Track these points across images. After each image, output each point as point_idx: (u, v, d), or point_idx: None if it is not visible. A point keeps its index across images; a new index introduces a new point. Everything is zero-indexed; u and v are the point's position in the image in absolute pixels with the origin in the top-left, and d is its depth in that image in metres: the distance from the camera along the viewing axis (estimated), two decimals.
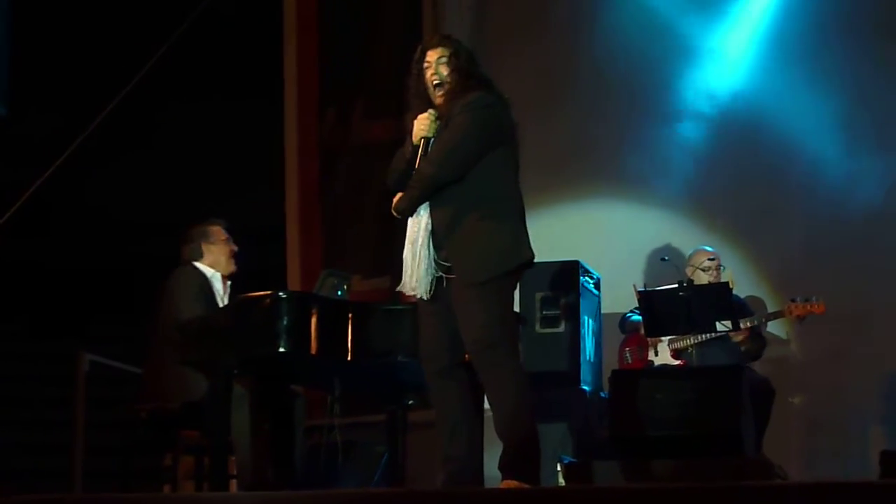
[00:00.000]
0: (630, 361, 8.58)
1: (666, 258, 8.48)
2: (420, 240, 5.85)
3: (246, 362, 6.79)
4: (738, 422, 7.48)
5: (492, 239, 5.85)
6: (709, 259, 8.53)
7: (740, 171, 9.52)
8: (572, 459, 7.95)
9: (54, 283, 9.91)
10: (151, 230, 8.18)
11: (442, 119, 5.88)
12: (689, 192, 9.60)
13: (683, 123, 9.75)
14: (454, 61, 5.93)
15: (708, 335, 8.18)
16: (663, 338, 8.39)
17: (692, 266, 8.53)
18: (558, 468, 7.61)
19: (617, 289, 8.95)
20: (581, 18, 10.07)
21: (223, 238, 7.60)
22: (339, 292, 7.81)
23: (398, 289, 6.04)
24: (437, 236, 5.86)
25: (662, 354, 8.45)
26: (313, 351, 6.59)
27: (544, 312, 8.50)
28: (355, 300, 7.32)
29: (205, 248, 7.56)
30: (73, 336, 9.08)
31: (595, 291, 8.86)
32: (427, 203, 5.87)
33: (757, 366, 8.42)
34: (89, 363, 8.39)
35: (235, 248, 7.55)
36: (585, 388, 8.49)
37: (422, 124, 5.88)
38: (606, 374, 8.45)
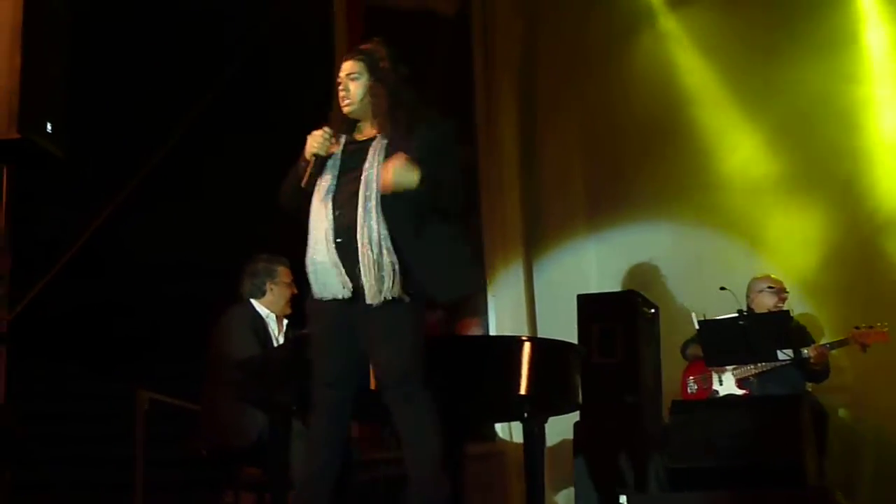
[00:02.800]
0: (694, 391, 8.53)
1: (725, 287, 8.40)
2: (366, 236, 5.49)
3: (304, 399, 6.79)
4: (800, 451, 7.41)
5: (431, 263, 5.57)
6: (770, 286, 8.47)
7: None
8: (633, 491, 7.90)
9: (112, 322, 9.96)
10: (206, 270, 8.19)
11: (394, 142, 5.59)
12: (751, 220, 9.52)
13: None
14: (366, 78, 5.63)
15: (770, 364, 8.11)
16: (727, 367, 8.34)
17: (754, 293, 8.47)
18: (621, 500, 7.56)
19: (675, 318, 8.91)
20: (629, 49, 10.02)
21: (287, 280, 7.56)
22: None
23: (316, 297, 5.67)
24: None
25: (727, 383, 8.39)
26: (372, 386, 6.57)
27: (602, 343, 8.46)
28: None
29: (268, 286, 7.54)
30: (132, 375, 9.11)
31: (653, 321, 8.82)
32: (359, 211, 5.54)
33: (822, 393, 8.34)
34: (149, 401, 8.42)
35: (296, 292, 7.45)
36: (644, 419, 8.43)
37: (315, 141, 5.58)
38: (666, 404, 8.42)
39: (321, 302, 5.64)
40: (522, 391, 6.51)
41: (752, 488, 7.27)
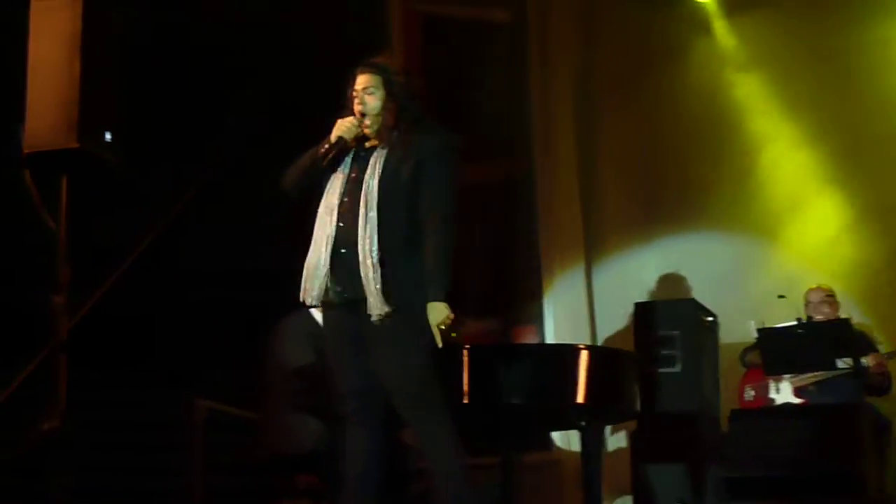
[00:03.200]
0: (752, 399, 8.48)
1: (783, 295, 8.33)
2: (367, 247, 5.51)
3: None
4: (860, 461, 7.36)
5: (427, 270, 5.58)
6: (826, 295, 8.42)
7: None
8: (691, 501, 7.87)
9: (170, 331, 9.99)
10: (266, 277, 8.21)
11: (395, 149, 5.63)
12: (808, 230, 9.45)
13: None
14: (382, 92, 5.66)
15: (829, 372, 8.05)
16: (784, 375, 8.28)
17: (810, 303, 8.42)
18: None
19: (734, 326, 8.86)
20: (686, 55, 9.98)
21: None
22: (453, 334, 7.80)
23: (302, 299, 5.70)
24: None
25: (784, 392, 8.34)
26: None
27: (660, 352, 8.43)
28: (469, 342, 7.28)
29: None
30: (189, 383, 9.14)
31: (712, 329, 8.78)
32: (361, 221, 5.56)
33: (883, 402, 8.26)
34: (207, 410, 8.44)
35: None
36: (702, 428, 8.39)
37: (344, 124, 5.63)
38: (724, 413, 8.38)
39: (330, 313, 5.67)
40: (580, 399, 6.50)
41: (811, 498, 7.22)
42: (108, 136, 6.42)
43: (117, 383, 9.59)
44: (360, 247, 5.52)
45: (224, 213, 9.87)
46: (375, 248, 5.51)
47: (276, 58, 9.87)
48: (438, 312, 5.49)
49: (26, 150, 6.29)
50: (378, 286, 5.48)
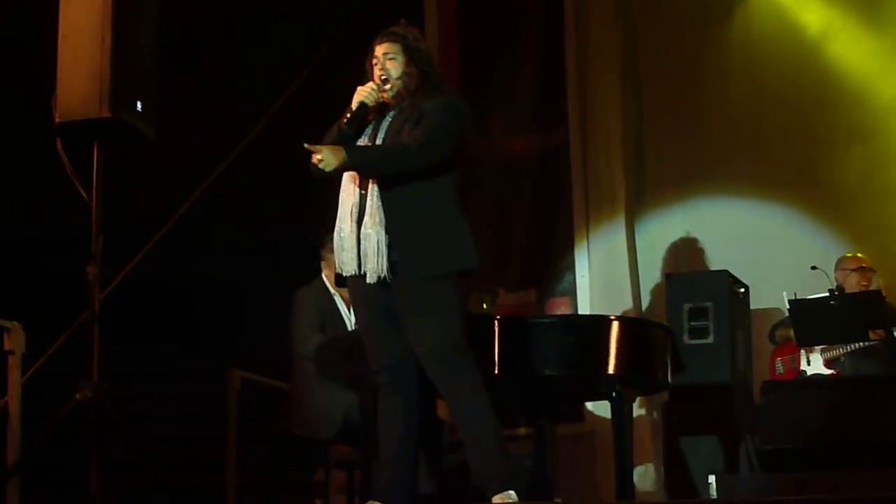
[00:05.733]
0: (782, 372, 8.46)
1: (816, 266, 8.28)
2: (376, 218, 5.51)
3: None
4: (893, 432, 7.33)
5: (453, 236, 5.62)
6: (859, 266, 8.38)
7: None
8: (723, 472, 7.86)
9: (205, 301, 10.05)
10: (299, 247, 8.22)
11: (403, 112, 5.65)
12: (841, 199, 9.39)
13: None
14: (403, 58, 5.66)
15: (861, 344, 8.02)
16: (815, 347, 8.26)
17: (840, 271, 8.38)
18: (710, 481, 7.51)
19: (766, 298, 8.84)
20: (727, 23, 9.91)
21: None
22: (485, 305, 7.81)
23: (336, 271, 5.69)
24: (389, 230, 5.54)
25: (815, 364, 8.32)
26: None
27: (693, 323, 8.41)
28: (501, 314, 7.29)
29: (325, 255, 7.50)
30: (224, 354, 9.19)
31: (744, 301, 8.75)
32: (370, 189, 5.56)
33: None
34: (241, 380, 8.48)
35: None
36: (735, 399, 8.37)
37: (364, 90, 5.62)
38: (756, 385, 8.36)
39: (357, 284, 5.65)
40: (611, 371, 6.50)
41: (845, 469, 7.20)
42: (140, 105, 6.43)
43: (151, 354, 9.66)
44: (367, 214, 5.55)
45: (260, 182, 9.90)
46: (380, 216, 5.53)
47: (307, 28, 9.86)
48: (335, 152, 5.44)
49: (58, 120, 6.31)
50: (384, 252, 5.50)
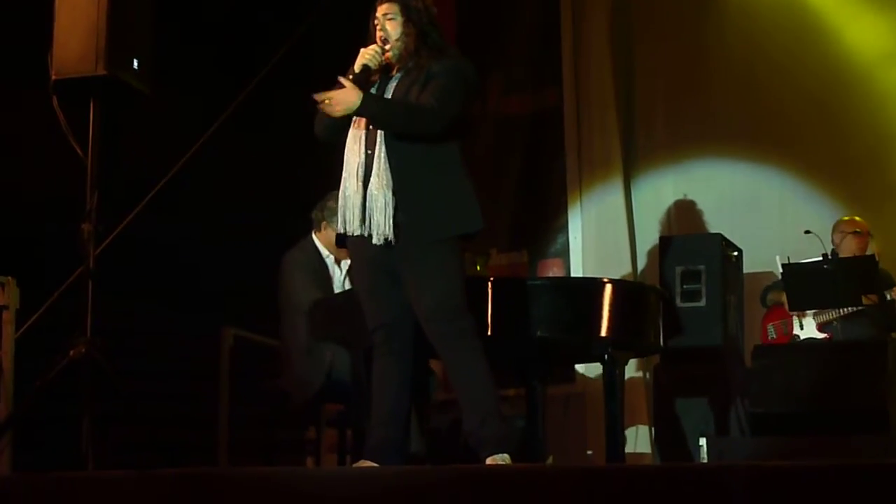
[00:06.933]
0: (774, 337, 8.48)
1: (810, 231, 8.29)
2: (383, 179, 5.50)
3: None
4: (885, 397, 7.37)
5: (459, 199, 5.63)
6: (855, 230, 8.39)
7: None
8: (713, 435, 7.89)
9: (197, 259, 10.03)
10: (293, 205, 8.21)
11: (410, 74, 5.63)
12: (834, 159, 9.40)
13: None
14: (401, 18, 5.65)
15: (853, 308, 8.04)
16: (807, 311, 8.28)
17: (837, 234, 8.39)
18: (701, 444, 7.55)
19: (758, 261, 8.86)
20: None
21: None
22: (478, 267, 7.82)
23: (339, 230, 5.68)
24: (396, 192, 5.52)
25: (808, 328, 8.34)
26: None
27: (685, 286, 8.43)
28: (494, 275, 7.30)
29: (324, 224, 7.49)
30: (216, 311, 9.18)
31: (737, 264, 8.77)
32: (378, 150, 5.55)
33: None
34: (233, 338, 8.50)
35: None
36: (727, 363, 8.40)
37: (367, 52, 5.60)
38: (748, 349, 8.39)
39: (359, 243, 5.64)
40: (603, 333, 6.53)
41: (835, 434, 7.24)
42: (136, 63, 6.43)
43: (144, 311, 9.64)
44: (374, 175, 5.54)
45: (255, 140, 9.87)
46: (388, 177, 5.52)
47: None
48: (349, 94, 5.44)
49: (54, 77, 6.32)
50: (390, 214, 5.49)
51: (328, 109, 5.46)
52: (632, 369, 8.69)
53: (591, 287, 6.82)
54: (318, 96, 5.45)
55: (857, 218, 8.53)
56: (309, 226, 7.61)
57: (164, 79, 6.88)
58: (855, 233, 8.39)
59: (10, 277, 6.75)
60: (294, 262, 7.50)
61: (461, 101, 5.64)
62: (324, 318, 7.07)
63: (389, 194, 5.51)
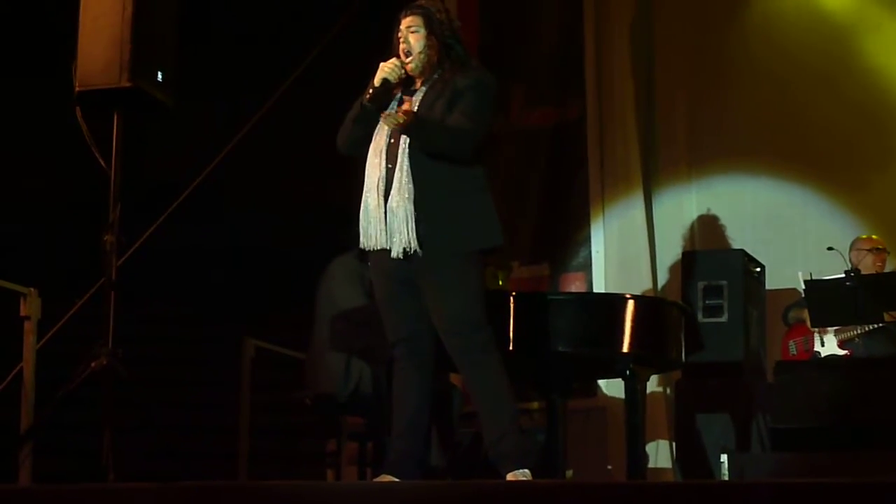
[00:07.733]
0: (795, 353, 8.47)
1: (832, 247, 8.27)
2: (405, 192, 5.51)
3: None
4: None
5: (480, 213, 5.63)
6: (876, 246, 8.37)
7: None
8: (734, 451, 7.87)
9: (222, 267, 10.06)
10: (318, 217, 8.23)
11: (434, 87, 5.65)
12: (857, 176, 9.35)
13: None
14: (425, 31, 5.66)
15: (875, 325, 8.03)
16: (829, 328, 8.26)
17: (858, 250, 8.37)
18: (722, 459, 7.52)
19: (780, 277, 8.84)
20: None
21: None
22: (500, 281, 7.81)
23: (361, 245, 5.68)
24: (417, 205, 5.53)
25: (829, 345, 8.32)
26: None
27: (707, 302, 8.40)
28: (515, 289, 7.29)
29: None
30: (239, 321, 9.20)
31: (759, 280, 8.75)
32: (400, 163, 5.55)
33: None
34: (255, 348, 8.50)
35: None
36: (749, 378, 8.38)
37: (387, 66, 5.61)
38: (769, 364, 8.37)
39: (380, 257, 5.65)
40: (625, 349, 6.51)
41: (857, 449, 7.21)
42: (160, 75, 6.45)
43: (166, 320, 9.68)
44: (395, 188, 5.54)
45: (278, 151, 9.90)
46: (409, 190, 5.52)
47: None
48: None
49: (78, 89, 6.33)
50: (412, 226, 5.50)
51: (390, 122, 5.49)
52: (653, 384, 8.67)
53: (614, 302, 6.81)
54: (384, 115, 5.49)
55: (874, 236, 8.53)
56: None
57: (188, 89, 6.89)
58: (875, 250, 8.38)
59: (31, 289, 6.77)
60: (340, 265, 7.42)
61: (490, 119, 5.68)
62: (343, 330, 7.06)
63: (410, 206, 5.51)
